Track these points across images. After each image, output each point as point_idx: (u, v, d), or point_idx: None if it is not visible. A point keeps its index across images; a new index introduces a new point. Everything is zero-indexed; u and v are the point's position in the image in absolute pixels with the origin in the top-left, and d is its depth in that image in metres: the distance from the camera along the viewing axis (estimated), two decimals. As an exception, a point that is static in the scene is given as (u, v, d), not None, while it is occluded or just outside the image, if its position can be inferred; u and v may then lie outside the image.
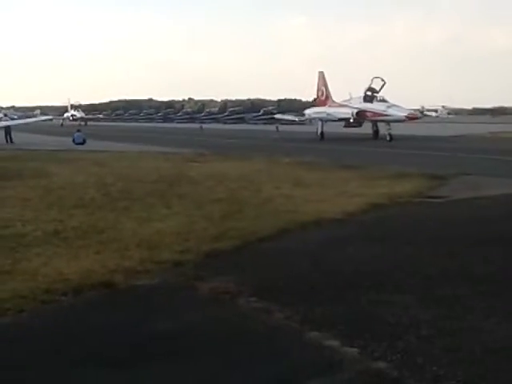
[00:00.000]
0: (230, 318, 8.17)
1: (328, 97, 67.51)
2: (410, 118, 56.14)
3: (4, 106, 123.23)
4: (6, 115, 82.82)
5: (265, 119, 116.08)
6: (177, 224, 13.70)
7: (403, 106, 55.21)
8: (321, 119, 60.27)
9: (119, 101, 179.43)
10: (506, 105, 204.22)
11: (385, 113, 53.22)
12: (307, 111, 70.89)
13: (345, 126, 60.85)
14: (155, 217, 14.64)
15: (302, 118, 74.02)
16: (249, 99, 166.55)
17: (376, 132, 58.59)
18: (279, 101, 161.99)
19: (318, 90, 71.23)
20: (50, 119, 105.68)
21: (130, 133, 75.51)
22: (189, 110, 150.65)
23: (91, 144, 47.96)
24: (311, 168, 26.81)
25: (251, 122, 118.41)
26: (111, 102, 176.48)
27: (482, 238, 12.88)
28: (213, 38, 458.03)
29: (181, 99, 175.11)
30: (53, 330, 7.81)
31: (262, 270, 10.47)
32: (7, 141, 54.68)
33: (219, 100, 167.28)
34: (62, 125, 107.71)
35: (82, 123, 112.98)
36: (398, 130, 56.58)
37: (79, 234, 12.65)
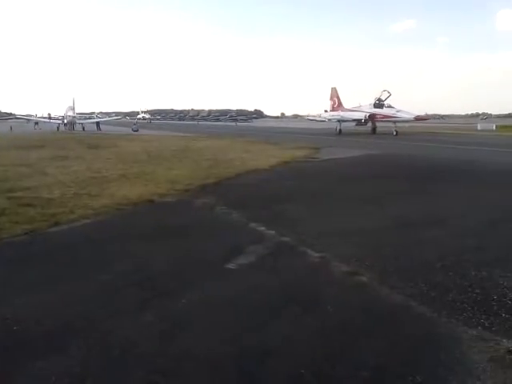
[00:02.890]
0: (210, 216, 8.24)
1: (340, 104, 52.61)
2: (418, 119, 43.92)
3: (94, 111, 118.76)
4: (97, 116, 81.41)
5: (229, 119, 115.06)
6: (185, 171, 13.59)
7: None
8: (338, 120, 46.84)
9: (157, 109, 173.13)
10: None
11: (395, 115, 41.15)
12: (323, 114, 54.68)
13: (356, 125, 47.60)
14: (174, 167, 14.51)
15: (319, 119, 55.96)
16: (222, 109, 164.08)
17: (374, 129, 45.39)
18: (237, 110, 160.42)
19: (331, 100, 54.70)
20: (120, 118, 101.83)
21: (160, 126, 73.98)
22: (191, 114, 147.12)
23: (141, 132, 47.03)
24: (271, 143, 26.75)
25: (223, 120, 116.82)
26: (152, 110, 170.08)
27: (335, 173, 13.12)
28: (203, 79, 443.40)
29: (188, 108, 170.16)
30: (122, 222, 7.81)
31: (227, 193, 10.48)
32: (97, 129, 53.42)
33: (207, 109, 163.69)
34: (136, 123, 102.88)
35: (149, 122, 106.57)
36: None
37: (135, 176, 12.50)
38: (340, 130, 45.68)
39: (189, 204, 9.28)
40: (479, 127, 57.19)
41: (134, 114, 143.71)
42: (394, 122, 41.72)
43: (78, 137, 35.35)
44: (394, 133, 39.17)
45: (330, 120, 51.12)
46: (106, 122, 70.35)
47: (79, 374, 3.22)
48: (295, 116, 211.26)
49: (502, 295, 4.47)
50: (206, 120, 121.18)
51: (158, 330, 3.84)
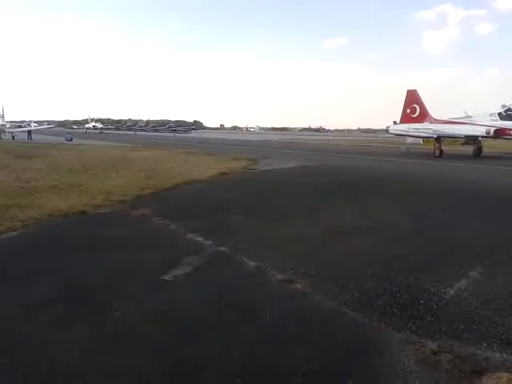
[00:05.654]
0: (146, 227, 8.05)
1: (425, 114, 35.89)
2: None
3: (25, 119, 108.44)
4: (28, 124, 77.45)
5: (168, 130, 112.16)
6: (121, 182, 13.27)
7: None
8: (438, 136, 31.34)
9: (92, 118, 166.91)
10: (288, 126, 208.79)
11: None
12: (394, 127, 38.54)
13: (464, 143, 32.98)
14: (110, 178, 14.13)
15: (401, 132, 38.50)
16: (161, 119, 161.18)
17: (479, 149, 31.18)
18: (176, 120, 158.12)
19: (406, 107, 37.24)
20: (53, 127, 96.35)
21: (94, 136, 71.80)
22: (128, 124, 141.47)
23: (76, 141, 45.41)
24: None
25: (161, 131, 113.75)
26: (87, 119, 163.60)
27: (274, 184, 13.26)
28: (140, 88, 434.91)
29: (125, 118, 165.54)
30: (52, 234, 7.42)
31: (165, 204, 10.34)
32: (28, 138, 50.83)
33: (145, 119, 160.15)
34: (85, 132, 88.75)
35: (100, 131, 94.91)
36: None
37: (67, 187, 12.03)
38: (441, 150, 30.86)
39: (124, 215, 9.01)
40: (408, 141, 59.72)
41: (67, 123, 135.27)
42: None
43: (7, 146, 33.56)
44: None
45: (409, 135, 37.47)
46: (38, 131, 67.21)
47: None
48: (234, 127, 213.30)
49: (427, 300, 4.68)
50: (143, 130, 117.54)
51: (87, 346, 3.67)
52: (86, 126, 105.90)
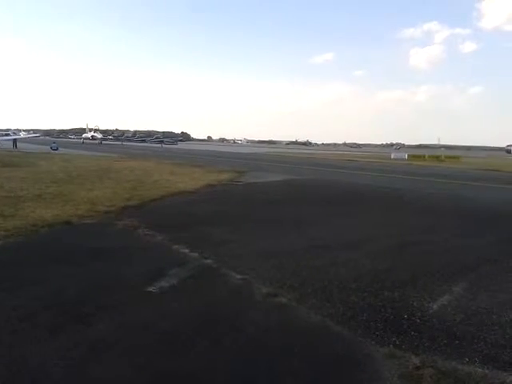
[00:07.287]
0: (132, 238, 7.95)
1: None
2: None
3: (12, 127, 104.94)
4: (14, 133, 76.40)
5: (155, 141, 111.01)
6: (107, 192, 13.14)
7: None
8: None
9: (79, 128, 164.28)
10: (275, 139, 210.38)
11: None
12: None
13: None
14: (95, 188, 13.99)
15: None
16: (148, 130, 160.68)
17: None
18: (164, 132, 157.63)
19: None
20: (38, 136, 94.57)
21: (82, 145, 71.25)
22: (115, 134, 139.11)
23: (62, 151, 45.00)
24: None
25: (148, 142, 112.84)
26: (73, 129, 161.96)
27: (260, 197, 13.29)
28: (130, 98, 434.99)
29: (113, 128, 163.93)
30: (36, 244, 7.31)
31: (151, 215, 10.26)
32: (13, 147, 50.28)
33: (132, 130, 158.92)
34: (83, 142, 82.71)
35: (99, 143, 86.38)
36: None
37: (52, 196, 11.87)
38: None
39: (110, 226, 8.91)
40: (392, 156, 61.02)
41: (53, 132, 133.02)
42: None
43: (-8, 154, 33.15)
44: None
45: None
46: (23, 140, 66.57)
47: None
48: (222, 140, 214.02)
49: (411, 314, 4.71)
50: (130, 141, 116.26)
51: (69, 358, 3.61)
52: (84, 135, 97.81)
